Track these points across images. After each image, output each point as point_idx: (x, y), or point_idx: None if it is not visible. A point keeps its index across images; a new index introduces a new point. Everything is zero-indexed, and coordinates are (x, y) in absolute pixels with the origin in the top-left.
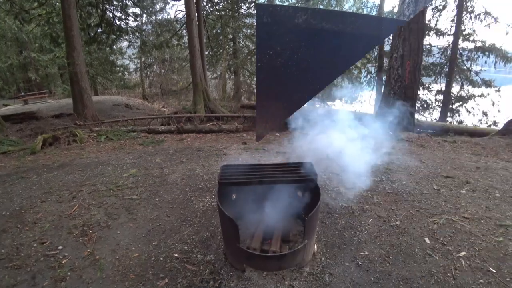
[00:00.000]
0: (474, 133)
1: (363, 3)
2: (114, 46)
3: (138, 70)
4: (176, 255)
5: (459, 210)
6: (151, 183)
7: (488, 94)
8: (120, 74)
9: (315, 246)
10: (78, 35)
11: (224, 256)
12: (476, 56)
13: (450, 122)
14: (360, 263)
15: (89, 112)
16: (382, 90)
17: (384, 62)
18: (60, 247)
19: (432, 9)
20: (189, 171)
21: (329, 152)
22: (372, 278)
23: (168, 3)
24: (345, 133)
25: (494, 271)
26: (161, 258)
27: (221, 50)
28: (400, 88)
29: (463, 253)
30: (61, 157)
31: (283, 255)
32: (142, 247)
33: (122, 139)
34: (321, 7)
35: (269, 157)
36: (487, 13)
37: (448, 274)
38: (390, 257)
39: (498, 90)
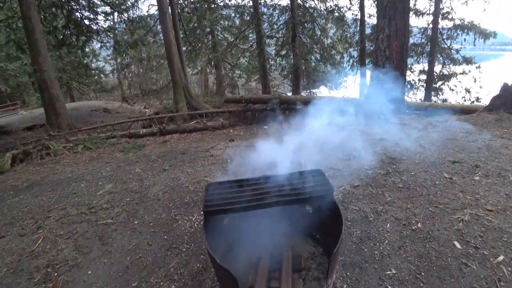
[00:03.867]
0: (461, 111)
1: (345, 29)
2: (86, 49)
3: (115, 71)
4: None
5: (480, 202)
6: (129, 200)
7: (470, 71)
8: (96, 77)
9: None
10: (43, 39)
11: None
12: (455, 34)
13: (435, 101)
14: (389, 287)
15: (64, 121)
16: (367, 73)
17: (366, 45)
18: None
19: None
20: (173, 181)
21: (324, 144)
22: None
23: None
24: (338, 121)
25: None
26: None
27: (199, 45)
28: (389, 70)
29: (501, 258)
30: (33, 174)
31: None
32: None
33: (101, 147)
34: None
35: (262, 156)
36: None
37: None
38: (422, 273)
39: (479, 67)
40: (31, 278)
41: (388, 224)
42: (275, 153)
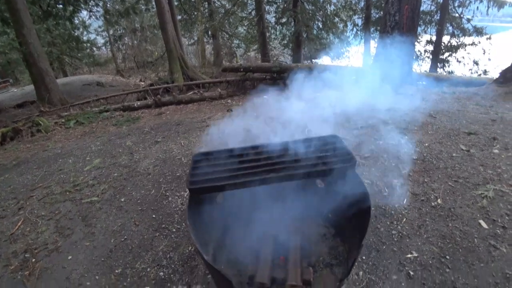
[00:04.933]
0: (469, 83)
1: None
2: (75, 20)
3: (107, 44)
4: None
5: (503, 176)
6: (116, 176)
7: (479, 43)
8: (88, 50)
9: None
10: (26, 9)
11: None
12: (468, 1)
13: (441, 73)
14: (411, 272)
15: (55, 96)
16: (371, 43)
17: (372, 12)
18: None
19: None
20: (165, 153)
21: (328, 113)
22: None
23: None
24: (341, 90)
25: None
26: None
27: (195, 13)
28: (397, 36)
29: None
30: (23, 152)
31: None
32: (101, 280)
33: (94, 122)
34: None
35: (263, 125)
36: None
37: None
38: (447, 257)
39: (489, 38)
40: (7, 265)
41: (405, 200)
42: (276, 123)
